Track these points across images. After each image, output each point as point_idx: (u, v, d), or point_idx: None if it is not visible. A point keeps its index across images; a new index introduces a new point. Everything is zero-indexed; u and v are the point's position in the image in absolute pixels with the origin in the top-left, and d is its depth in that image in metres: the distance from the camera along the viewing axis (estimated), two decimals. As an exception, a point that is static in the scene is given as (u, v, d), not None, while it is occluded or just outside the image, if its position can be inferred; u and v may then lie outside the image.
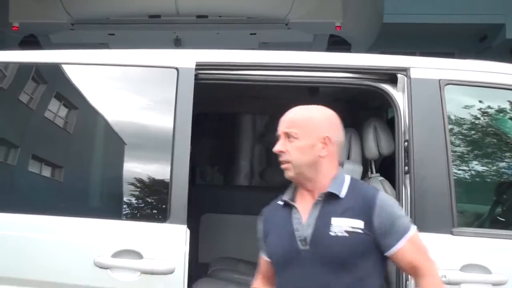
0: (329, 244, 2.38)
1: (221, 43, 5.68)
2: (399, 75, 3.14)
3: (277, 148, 2.52)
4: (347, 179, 2.51)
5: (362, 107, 4.21)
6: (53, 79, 3.39)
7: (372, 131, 3.65)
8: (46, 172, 3.29)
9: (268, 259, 2.59)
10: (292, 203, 2.52)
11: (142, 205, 3.18)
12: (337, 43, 6.43)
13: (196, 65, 3.14)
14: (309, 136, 2.46)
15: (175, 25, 6.29)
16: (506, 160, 3.31)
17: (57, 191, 3.25)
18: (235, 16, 6.22)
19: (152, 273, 2.87)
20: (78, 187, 3.27)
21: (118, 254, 2.90)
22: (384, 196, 2.48)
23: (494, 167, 3.30)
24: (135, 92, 3.31)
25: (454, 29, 8.31)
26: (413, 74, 3.13)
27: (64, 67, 3.31)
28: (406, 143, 3.03)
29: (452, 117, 3.18)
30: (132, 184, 3.11)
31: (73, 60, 3.30)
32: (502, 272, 2.87)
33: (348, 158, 3.78)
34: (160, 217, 2.98)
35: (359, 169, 3.70)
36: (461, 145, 3.24)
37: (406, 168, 3.00)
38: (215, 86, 3.24)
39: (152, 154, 3.19)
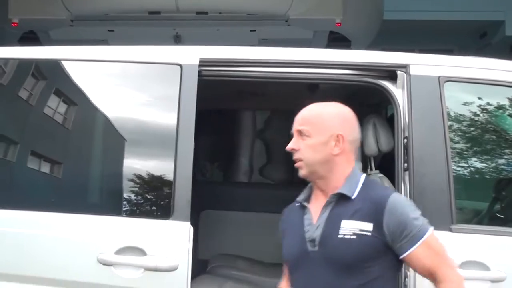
0: (336, 246, 2.34)
1: (221, 40, 5.68)
2: (398, 72, 3.14)
3: (289, 146, 2.49)
4: (362, 179, 2.46)
5: (362, 103, 4.21)
6: (56, 76, 3.38)
7: (371, 127, 3.65)
8: (51, 169, 3.29)
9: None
10: (304, 203, 2.50)
11: (146, 202, 3.19)
12: (337, 40, 6.43)
13: (200, 62, 3.13)
14: (321, 133, 2.42)
15: (175, 21, 6.29)
16: (505, 157, 3.32)
17: (60, 188, 3.24)
18: (235, 12, 6.22)
19: (155, 270, 2.86)
20: (82, 184, 3.27)
21: (121, 251, 2.90)
22: (395, 198, 2.39)
23: (493, 164, 3.30)
24: (138, 88, 3.30)
25: (454, 26, 8.31)
26: (413, 71, 3.13)
27: (66, 63, 3.30)
28: (405, 140, 3.03)
29: (452, 114, 3.18)
30: (136, 181, 3.11)
31: (76, 56, 3.30)
32: (500, 269, 2.88)
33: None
34: (163, 214, 2.98)
35: (358, 165, 3.70)
36: (461, 142, 3.24)
37: (406, 165, 3.00)
38: (216, 83, 3.24)
39: (156, 151, 3.19)
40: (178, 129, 3.03)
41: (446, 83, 3.12)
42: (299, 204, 2.53)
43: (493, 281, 2.86)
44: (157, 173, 3.10)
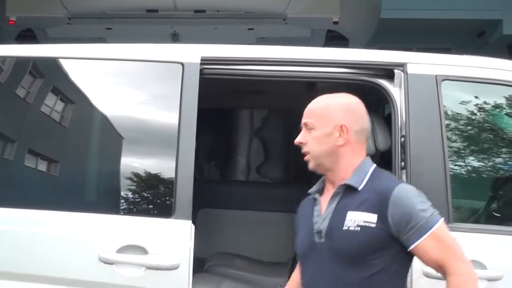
0: (341, 237, 2.33)
1: (218, 38, 5.67)
2: (396, 71, 3.14)
3: (297, 140, 2.49)
4: (371, 170, 2.42)
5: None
6: (57, 74, 3.37)
7: (369, 126, 3.65)
8: (53, 167, 3.28)
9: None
10: (314, 195, 2.49)
11: (147, 200, 3.19)
12: (334, 39, 6.43)
13: (201, 60, 3.13)
14: (325, 125, 2.41)
15: (173, 19, 6.29)
16: (502, 155, 3.32)
17: (62, 186, 3.23)
18: (233, 11, 6.21)
19: (157, 268, 2.87)
20: (84, 183, 3.28)
21: (123, 249, 2.90)
22: (401, 189, 2.34)
23: (490, 163, 3.31)
24: (140, 87, 3.30)
25: (452, 25, 8.31)
26: (410, 69, 3.13)
27: (66, 61, 3.30)
28: (402, 139, 3.04)
29: (449, 113, 3.19)
30: (137, 179, 3.11)
31: (77, 54, 3.29)
32: (497, 267, 2.88)
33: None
34: (165, 212, 2.98)
35: None
36: (458, 141, 3.24)
37: (403, 163, 3.00)
38: (214, 81, 3.24)
39: (157, 150, 3.19)
40: (179, 127, 3.03)
41: (444, 81, 3.13)
42: (311, 196, 2.52)
43: (490, 279, 2.86)
44: (158, 171, 3.10)
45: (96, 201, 3.28)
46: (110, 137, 3.31)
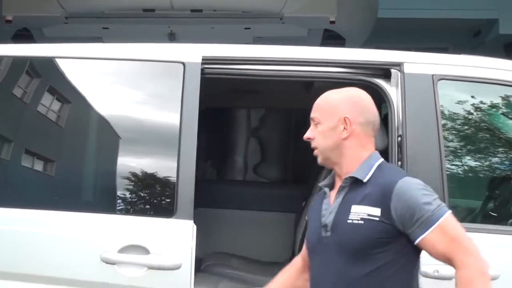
0: (345, 231, 2.32)
1: (215, 38, 5.67)
2: (392, 70, 3.15)
3: (305, 135, 2.49)
4: (377, 163, 2.40)
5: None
6: (57, 74, 3.35)
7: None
8: (55, 168, 3.27)
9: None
10: (324, 188, 2.49)
11: (149, 200, 3.19)
12: (331, 38, 6.43)
13: (203, 60, 3.13)
14: (329, 119, 2.41)
15: (170, 19, 6.28)
16: (498, 155, 3.33)
17: (64, 186, 3.23)
18: (230, 10, 6.21)
19: (159, 268, 2.87)
20: (85, 183, 3.29)
21: (124, 249, 2.90)
22: (405, 182, 2.30)
23: (487, 163, 3.31)
24: (140, 87, 3.30)
25: (448, 24, 8.32)
26: (407, 69, 3.13)
27: (66, 61, 3.29)
28: (399, 138, 3.04)
29: (445, 112, 3.19)
30: (139, 179, 3.12)
31: (77, 54, 3.28)
32: (494, 267, 2.88)
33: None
34: (166, 212, 2.98)
35: None
36: (454, 141, 3.25)
37: (399, 163, 3.00)
38: (214, 81, 3.24)
39: (159, 150, 3.19)
40: (181, 127, 3.03)
41: (440, 81, 3.13)
42: (322, 190, 2.52)
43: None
44: (160, 171, 3.10)
45: (98, 201, 3.27)
46: (111, 137, 3.29)
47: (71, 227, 2.97)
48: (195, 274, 4.10)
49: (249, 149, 5.58)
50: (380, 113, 4.18)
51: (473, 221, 3.24)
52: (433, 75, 3.13)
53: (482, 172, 3.33)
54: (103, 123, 3.29)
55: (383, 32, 7.24)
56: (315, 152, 2.47)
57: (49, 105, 3.30)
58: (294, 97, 4.54)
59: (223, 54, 3.23)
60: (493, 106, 3.34)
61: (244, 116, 5.60)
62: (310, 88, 4.17)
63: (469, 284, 2.19)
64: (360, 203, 2.32)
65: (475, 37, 8.86)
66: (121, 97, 3.29)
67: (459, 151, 3.25)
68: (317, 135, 2.44)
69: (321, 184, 2.54)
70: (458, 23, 8.34)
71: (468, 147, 3.32)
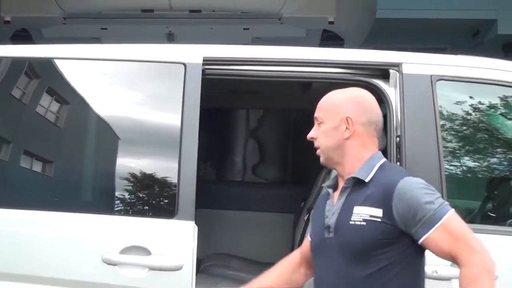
0: (347, 232, 2.31)
1: (214, 38, 5.67)
2: (391, 71, 3.15)
3: (309, 135, 2.49)
4: (379, 163, 2.39)
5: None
6: (56, 75, 3.35)
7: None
8: (58, 169, 3.26)
9: (310, 239, 2.60)
10: (327, 189, 2.49)
11: (150, 201, 3.19)
12: (330, 39, 6.44)
13: (204, 60, 3.13)
14: (331, 118, 2.41)
15: (168, 19, 6.28)
16: (497, 156, 3.33)
17: (65, 187, 3.23)
18: (229, 10, 6.21)
19: (160, 269, 2.86)
20: (86, 184, 3.29)
21: (126, 250, 2.90)
22: (406, 182, 2.29)
23: (486, 163, 3.32)
24: (141, 88, 3.29)
25: (446, 25, 8.32)
26: (405, 69, 3.13)
27: (66, 62, 3.29)
28: (398, 139, 3.04)
29: (444, 113, 3.19)
30: (140, 180, 3.11)
31: (77, 55, 3.28)
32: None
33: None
34: (168, 213, 2.98)
35: None
36: (453, 141, 3.25)
37: (398, 164, 3.00)
38: (214, 82, 3.24)
39: (160, 150, 3.19)
40: (182, 128, 3.03)
41: (439, 81, 3.13)
42: (325, 191, 2.52)
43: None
44: (161, 172, 3.10)
45: (99, 202, 3.27)
46: (113, 139, 3.28)
47: (73, 228, 2.97)
48: (194, 275, 4.11)
49: (248, 150, 5.58)
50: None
51: (471, 221, 3.23)
52: (431, 75, 3.13)
53: (481, 172, 3.33)
54: (105, 124, 3.29)
55: (382, 32, 7.24)
56: (318, 152, 2.47)
57: (54, 106, 3.30)
58: (293, 98, 4.54)
59: (224, 55, 3.23)
60: (491, 106, 3.34)
61: (243, 116, 5.61)
62: (309, 88, 4.18)
63: (473, 282, 2.18)
64: (362, 204, 2.31)
65: (473, 37, 8.87)
66: (122, 98, 3.29)
67: (457, 151, 3.26)
68: (320, 135, 2.44)
69: (324, 184, 2.54)
70: (457, 23, 8.35)
71: (467, 147, 3.32)
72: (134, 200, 3.16)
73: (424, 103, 3.09)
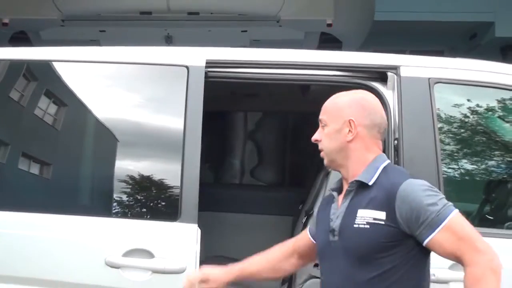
0: (351, 236, 2.31)
1: (212, 40, 5.69)
2: (389, 73, 3.15)
3: (313, 137, 2.49)
4: (382, 165, 2.38)
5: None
6: (57, 77, 3.34)
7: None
8: (62, 172, 3.26)
9: (311, 239, 2.61)
10: (332, 192, 2.49)
11: (153, 204, 3.19)
12: (328, 41, 6.45)
13: (206, 63, 3.13)
14: (335, 121, 2.41)
15: (166, 21, 6.29)
16: (495, 158, 3.33)
17: (69, 191, 3.23)
18: (227, 13, 6.22)
19: (163, 272, 2.86)
20: (89, 187, 3.29)
21: (129, 253, 2.90)
22: (408, 184, 2.27)
23: (483, 166, 3.32)
24: (144, 90, 3.29)
25: (444, 27, 8.34)
26: (403, 72, 3.14)
27: (67, 64, 3.29)
28: (396, 141, 3.04)
29: (442, 116, 3.19)
30: (143, 183, 3.11)
31: (80, 57, 3.28)
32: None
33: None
34: (171, 216, 2.97)
35: None
36: (451, 144, 3.25)
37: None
38: (215, 84, 3.24)
39: (163, 153, 3.19)
40: (185, 131, 3.03)
41: (436, 84, 3.13)
42: (330, 194, 2.52)
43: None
44: (164, 175, 3.10)
45: (102, 205, 3.26)
46: (115, 141, 3.28)
47: (76, 231, 2.97)
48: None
49: (246, 153, 5.58)
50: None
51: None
52: (429, 78, 3.14)
53: (479, 175, 3.33)
54: (107, 127, 3.29)
55: (380, 35, 7.26)
56: (322, 154, 2.47)
57: (58, 110, 3.32)
58: (292, 100, 4.55)
59: (227, 57, 3.23)
60: (489, 109, 3.34)
61: (241, 119, 5.60)
62: (307, 91, 4.18)
63: (478, 282, 2.15)
64: (366, 207, 2.31)
65: (471, 40, 8.89)
66: (124, 101, 3.29)
67: (455, 154, 3.26)
68: (323, 137, 2.44)
69: (329, 188, 2.53)
70: (454, 26, 8.37)
71: (465, 150, 3.32)
72: (137, 203, 3.16)
73: (422, 106, 3.09)
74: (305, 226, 3.72)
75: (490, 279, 2.15)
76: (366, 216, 2.29)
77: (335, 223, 2.38)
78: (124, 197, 3.15)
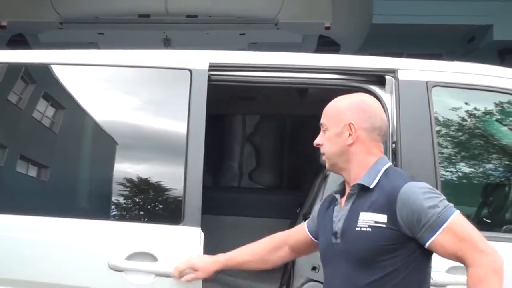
0: (353, 239, 2.32)
1: (210, 43, 5.68)
2: (387, 77, 3.15)
3: (315, 141, 2.51)
4: (384, 168, 2.40)
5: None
6: (58, 80, 3.34)
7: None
8: (65, 175, 3.24)
9: (309, 235, 2.65)
10: (335, 195, 2.50)
11: (156, 207, 3.17)
12: (326, 44, 6.45)
13: (209, 66, 3.13)
14: (335, 125, 2.43)
15: (165, 24, 6.29)
16: (492, 162, 3.34)
17: (72, 194, 3.24)
18: (225, 16, 6.22)
19: (167, 275, 2.85)
20: (93, 191, 3.28)
21: (132, 256, 2.89)
22: (409, 187, 2.29)
23: (481, 169, 3.32)
24: (147, 94, 3.29)
25: (442, 31, 8.36)
26: (401, 76, 3.14)
27: (67, 68, 3.29)
28: (393, 145, 3.04)
29: (440, 119, 3.20)
30: (146, 186, 3.11)
31: (83, 61, 3.28)
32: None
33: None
34: (174, 219, 2.97)
35: None
36: (449, 147, 3.26)
37: (394, 169, 3.01)
38: (217, 88, 3.24)
39: (166, 157, 3.18)
40: (188, 134, 3.03)
41: (434, 88, 3.14)
42: (333, 195, 2.53)
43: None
44: (167, 178, 3.09)
45: (105, 208, 3.24)
46: (118, 144, 3.27)
47: (79, 235, 2.96)
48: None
49: (245, 156, 5.58)
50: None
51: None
52: (427, 81, 3.14)
53: (476, 178, 3.33)
54: (110, 130, 3.27)
55: (378, 38, 7.27)
56: (323, 158, 2.49)
57: (59, 113, 3.32)
58: (290, 103, 4.55)
59: (230, 61, 3.24)
60: (487, 112, 3.35)
61: (239, 122, 5.61)
62: (305, 94, 4.18)
63: (481, 282, 2.17)
64: (368, 210, 2.32)
65: (469, 43, 8.91)
66: (128, 104, 3.28)
67: (453, 157, 3.26)
68: (325, 141, 2.46)
69: (333, 190, 2.54)
70: (452, 29, 8.38)
71: (463, 153, 3.33)
72: (140, 206, 3.15)
73: (420, 109, 3.09)
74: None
75: (493, 280, 2.16)
76: (368, 219, 2.31)
77: (338, 225, 2.40)
78: (127, 201, 3.15)
